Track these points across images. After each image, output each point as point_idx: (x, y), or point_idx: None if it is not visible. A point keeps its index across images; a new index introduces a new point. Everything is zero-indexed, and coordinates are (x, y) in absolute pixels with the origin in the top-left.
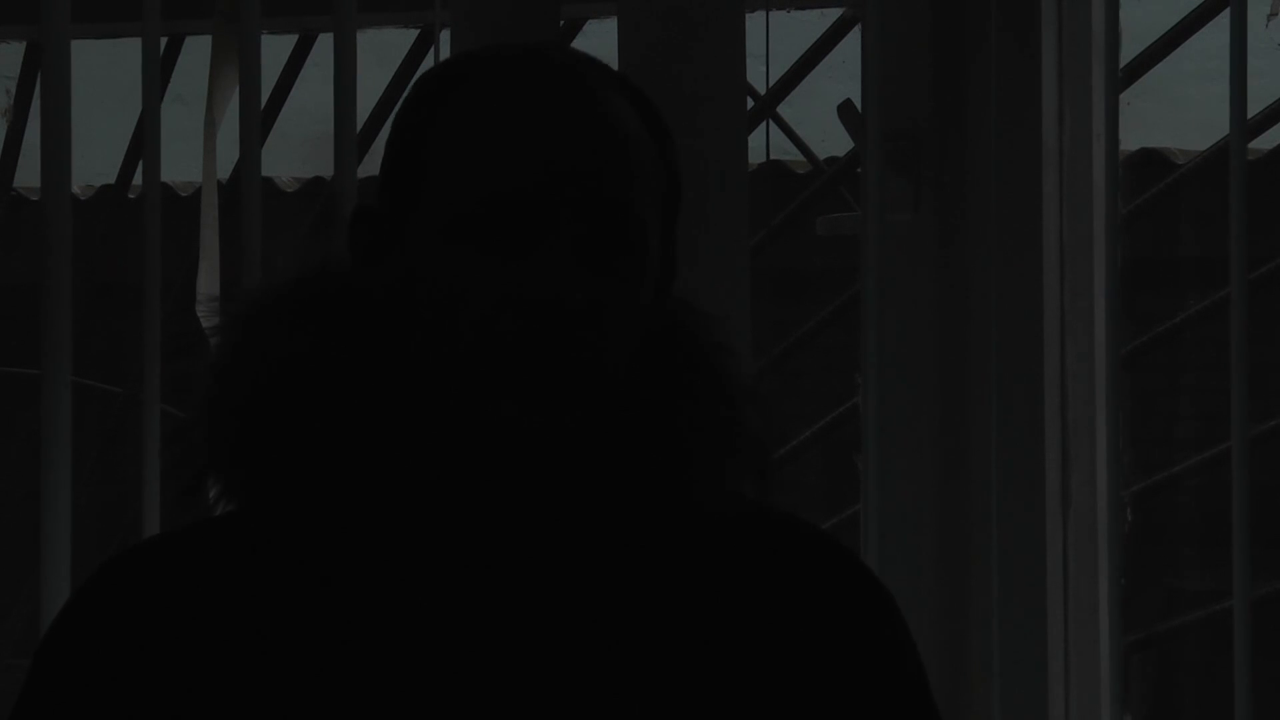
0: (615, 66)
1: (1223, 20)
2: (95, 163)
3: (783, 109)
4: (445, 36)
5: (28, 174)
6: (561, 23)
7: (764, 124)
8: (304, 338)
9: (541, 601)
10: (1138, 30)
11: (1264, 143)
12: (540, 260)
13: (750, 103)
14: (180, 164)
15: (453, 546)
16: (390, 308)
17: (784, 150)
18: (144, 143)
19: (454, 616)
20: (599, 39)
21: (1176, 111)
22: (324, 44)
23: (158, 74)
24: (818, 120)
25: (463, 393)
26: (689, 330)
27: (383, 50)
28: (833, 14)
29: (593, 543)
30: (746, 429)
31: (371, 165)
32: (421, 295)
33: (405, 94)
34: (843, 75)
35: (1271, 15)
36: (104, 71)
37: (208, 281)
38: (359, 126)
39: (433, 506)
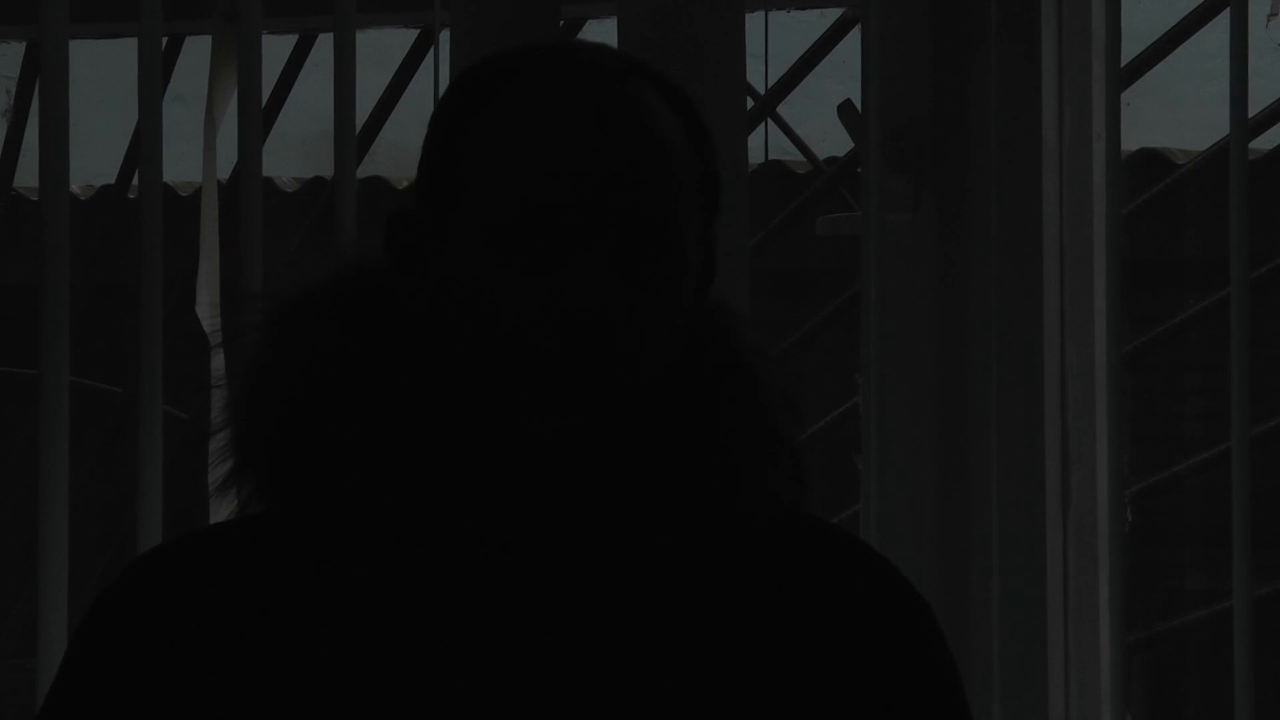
0: None
1: (1223, 20)
2: (95, 163)
3: (783, 109)
4: (445, 36)
5: (28, 174)
6: (561, 23)
7: (764, 124)
8: (339, 339)
9: (578, 609)
10: (1138, 30)
11: (1264, 142)
12: (578, 270)
13: (750, 103)
14: (180, 164)
15: (487, 553)
16: (428, 315)
17: (784, 150)
18: (144, 143)
19: (486, 622)
20: (599, 39)
21: (1176, 111)
22: (324, 44)
23: (158, 74)
24: (818, 120)
25: (500, 400)
26: (725, 333)
27: (383, 50)
28: (833, 14)
29: (629, 548)
30: (783, 434)
31: (372, 165)
32: (460, 303)
33: (441, 97)
34: (843, 75)
35: (1271, 15)
36: (104, 71)
37: (208, 282)
38: (359, 126)
39: (467, 512)
